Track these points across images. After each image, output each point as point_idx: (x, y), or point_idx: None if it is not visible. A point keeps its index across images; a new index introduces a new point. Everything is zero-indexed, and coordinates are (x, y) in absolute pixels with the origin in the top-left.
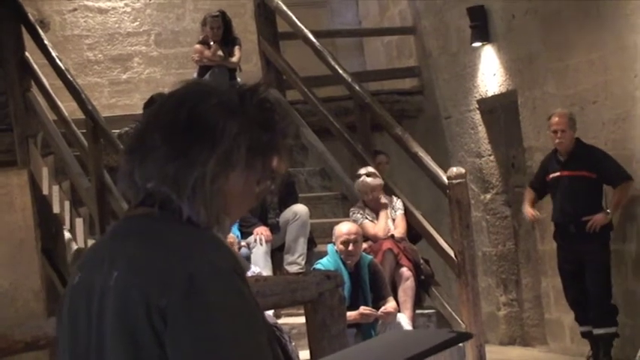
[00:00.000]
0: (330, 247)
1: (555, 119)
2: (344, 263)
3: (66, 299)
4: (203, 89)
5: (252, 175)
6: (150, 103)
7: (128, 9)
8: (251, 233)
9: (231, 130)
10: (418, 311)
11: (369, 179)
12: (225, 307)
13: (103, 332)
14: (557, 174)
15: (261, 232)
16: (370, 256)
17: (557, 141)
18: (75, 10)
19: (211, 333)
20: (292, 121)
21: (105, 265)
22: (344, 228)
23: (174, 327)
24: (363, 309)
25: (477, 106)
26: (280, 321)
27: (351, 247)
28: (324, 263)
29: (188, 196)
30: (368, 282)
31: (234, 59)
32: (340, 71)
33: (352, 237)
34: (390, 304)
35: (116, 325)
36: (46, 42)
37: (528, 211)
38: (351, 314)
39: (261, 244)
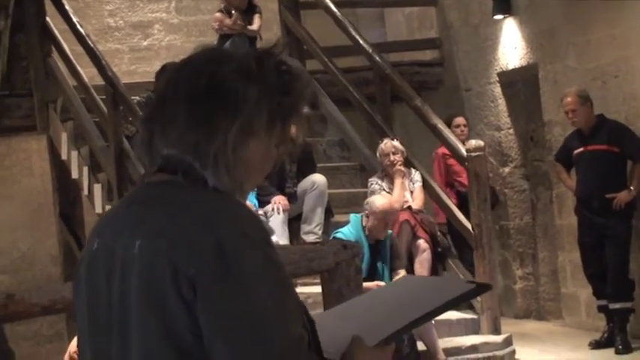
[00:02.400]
0: (353, 217)
1: (567, 99)
2: (365, 234)
3: (83, 264)
4: (220, 55)
5: (272, 139)
6: (162, 72)
7: None
8: (268, 202)
9: (252, 96)
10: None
11: (388, 142)
12: (256, 274)
13: (127, 300)
14: (581, 149)
15: (279, 201)
16: (390, 230)
17: (571, 121)
18: None
19: (243, 300)
20: (309, 82)
21: (126, 233)
22: (386, 204)
23: (205, 295)
24: (376, 284)
25: (498, 79)
26: (296, 290)
27: (388, 225)
28: (344, 232)
29: (211, 164)
30: (389, 255)
31: (254, 27)
32: (361, 42)
33: (391, 217)
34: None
35: (142, 294)
36: (67, 8)
37: (570, 184)
38: (365, 285)
39: (278, 213)
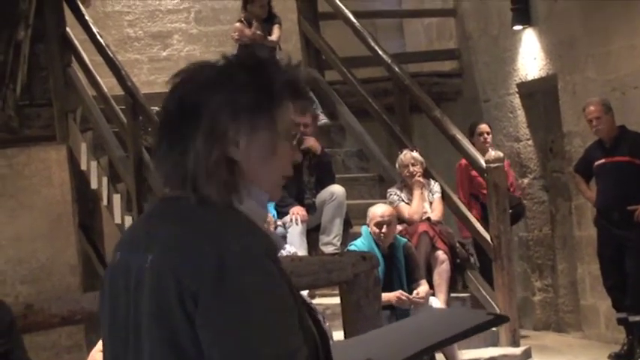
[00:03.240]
0: (364, 229)
1: (590, 108)
2: (377, 245)
3: (106, 278)
4: (189, 73)
5: (265, 135)
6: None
7: None
8: (287, 213)
9: (213, 102)
10: (453, 295)
11: (408, 153)
12: (255, 290)
13: (140, 312)
14: (602, 161)
15: (297, 211)
16: (404, 239)
17: (594, 129)
18: None
19: (242, 315)
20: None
21: (141, 247)
22: (378, 210)
23: (206, 309)
24: (400, 293)
25: (517, 89)
26: (314, 301)
27: (384, 230)
28: (357, 245)
29: (194, 178)
30: (403, 264)
31: (274, 37)
32: (380, 52)
33: (386, 219)
34: (422, 288)
35: (151, 307)
36: (87, 18)
37: (590, 195)
38: (385, 296)
39: (296, 224)
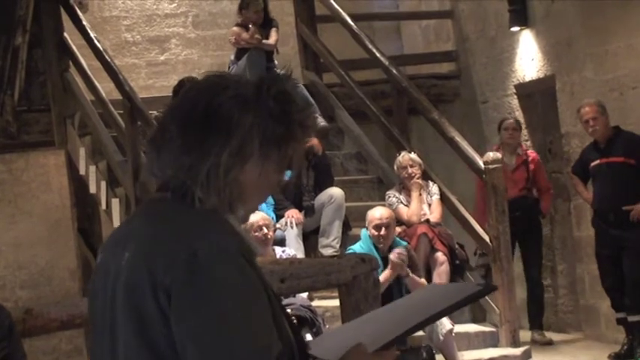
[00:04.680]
0: (363, 232)
1: (585, 109)
2: (376, 248)
3: (91, 280)
4: (221, 81)
5: (268, 165)
6: (180, 87)
7: None
8: (284, 216)
9: (245, 123)
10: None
11: (406, 155)
12: (227, 285)
13: (115, 308)
14: (597, 162)
15: (292, 214)
16: (404, 242)
17: (590, 130)
18: None
19: (214, 309)
20: (312, 112)
21: (119, 247)
22: (376, 213)
23: (178, 303)
24: (392, 258)
25: (515, 90)
26: (313, 303)
27: (383, 232)
28: (355, 248)
29: (202, 184)
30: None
31: (271, 41)
32: (377, 55)
33: (384, 221)
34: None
35: (125, 304)
36: (84, 23)
37: (587, 197)
38: (384, 274)
39: (292, 227)
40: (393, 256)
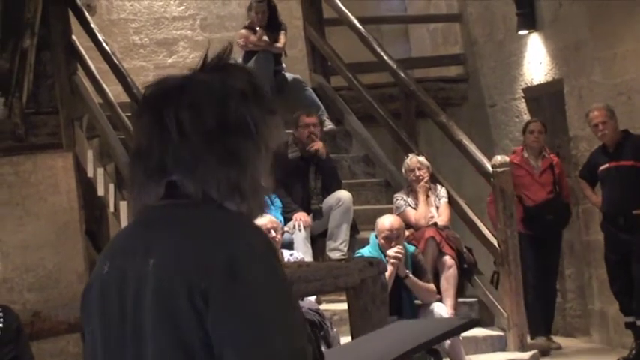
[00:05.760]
0: (372, 237)
1: (594, 113)
2: (385, 254)
3: (94, 288)
4: (219, 89)
5: (267, 159)
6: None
7: None
8: (292, 219)
9: (261, 123)
10: (460, 299)
11: (414, 158)
12: (265, 287)
13: (141, 317)
14: (606, 166)
15: (300, 217)
16: (412, 247)
17: (599, 134)
18: None
19: (254, 312)
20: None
21: (138, 254)
22: (386, 222)
23: (216, 307)
24: (389, 253)
25: (523, 94)
26: (321, 307)
27: (392, 244)
28: (364, 252)
29: (242, 195)
30: (411, 272)
31: (280, 45)
32: (385, 58)
33: (394, 233)
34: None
35: (157, 309)
36: (92, 25)
37: (596, 201)
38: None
39: (299, 230)
40: (390, 251)
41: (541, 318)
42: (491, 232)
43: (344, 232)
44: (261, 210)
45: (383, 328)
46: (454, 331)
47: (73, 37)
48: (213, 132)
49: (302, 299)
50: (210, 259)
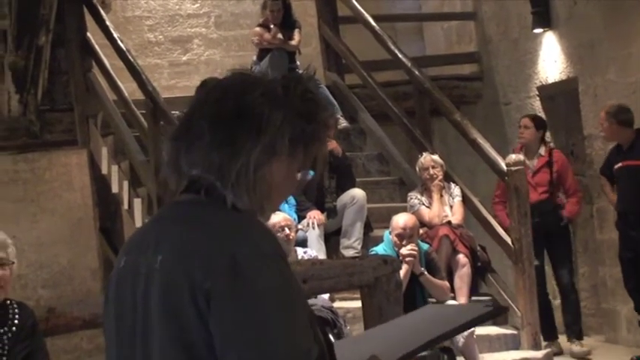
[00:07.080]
0: (386, 234)
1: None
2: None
3: (112, 282)
4: (248, 80)
5: (294, 163)
6: (202, 87)
7: None
8: (306, 217)
9: (276, 120)
10: (474, 298)
11: (428, 156)
12: (268, 289)
13: (149, 314)
14: (620, 164)
15: (314, 215)
16: (426, 245)
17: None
18: None
19: (255, 313)
20: (333, 112)
21: (150, 249)
22: (400, 221)
23: (219, 307)
24: (403, 252)
25: (537, 92)
26: (335, 305)
27: (405, 242)
28: (378, 250)
29: (232, 184)
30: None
31: (294, 42)
32: (400, 56)
33: (407, 232)
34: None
35: (162, 307)
36: (107, 23)
37: (613, 198)
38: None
39: (313, 228)
40: (404, 249)
41: (566, 322)
42: (505, 231)
43: (358, 230)
44: (264, 208)
45: (408, 315)
46: (479, 319)
47: (88, 34)
48: (222, 114)
49: (315, 297)
50: (214, 258)
